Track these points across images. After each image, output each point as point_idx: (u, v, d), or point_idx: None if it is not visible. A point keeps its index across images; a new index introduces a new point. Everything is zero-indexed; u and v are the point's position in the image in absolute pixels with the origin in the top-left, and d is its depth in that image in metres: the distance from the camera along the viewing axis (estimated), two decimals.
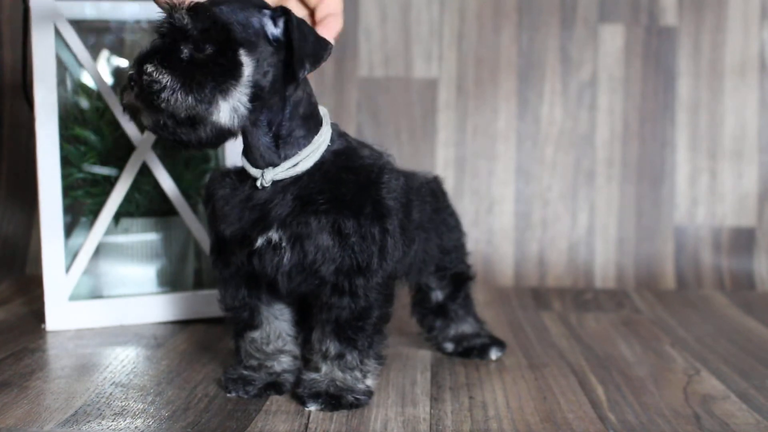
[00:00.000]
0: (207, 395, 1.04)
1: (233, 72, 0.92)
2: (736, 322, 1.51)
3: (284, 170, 0.98)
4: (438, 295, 1.25)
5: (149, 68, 0.90)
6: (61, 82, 1.35)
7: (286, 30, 0.95)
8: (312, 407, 0.99)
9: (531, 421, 0.98)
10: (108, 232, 1.39)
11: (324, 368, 1.02)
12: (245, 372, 1.05)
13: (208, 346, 1.26)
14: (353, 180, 0.98)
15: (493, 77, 1.86)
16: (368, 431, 0.94)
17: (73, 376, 1.11)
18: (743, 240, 1.84)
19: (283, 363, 1.07)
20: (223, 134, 0.94)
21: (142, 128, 1.00)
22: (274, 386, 1.04)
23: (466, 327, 1.26)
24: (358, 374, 1.01)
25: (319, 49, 0.96)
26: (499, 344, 1.25)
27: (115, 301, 1.39)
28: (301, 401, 1.00)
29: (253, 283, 1.04)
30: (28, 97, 1.37)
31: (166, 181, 1.40)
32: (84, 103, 1.39)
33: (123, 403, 1.00)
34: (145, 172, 1.39)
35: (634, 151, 1.86)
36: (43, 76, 1.30)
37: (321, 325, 1.02)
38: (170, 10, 0.93)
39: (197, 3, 0.93)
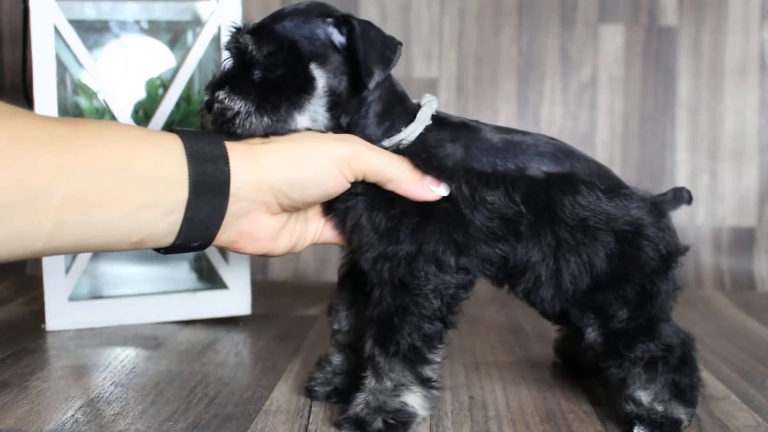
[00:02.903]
0: (207, 395, 1.04)
1: (306, 87, 0.91)
2: (736, 322, 1.51)
3: None
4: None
5: (221, 95, 0.90)
6: (61, 82, 1.35)
7: (350, 39, 0.93)
8: None
9: (531, 421, 0.98)
10: None
11: (366, 380, 0.94)
12: (314, 380, 1.04)
13: (208, 346, 1.26)
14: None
15: (493, 77, 1.86)
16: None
17: (73, 376, 1.11)
18: (743, 240, 1.84)
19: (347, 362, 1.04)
20: None
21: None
22: (336, 391, 1.02)
23: None
24: (388, 384, 0.91)
25: (388, 52, 0.93)
26: None
27: (115, 301, 1.39)
28: (338, 425, 0.94)
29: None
30: (28, 97, 1.37)
31: None
32: (84, 103, 1.39)
33: (123, 403, 1.00)
34: None
35: (634, 151, 1.86)
36: (43, 76, 1.30)
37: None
38: (236, 33, 0.92)
39: (261, 23, 0.92)
